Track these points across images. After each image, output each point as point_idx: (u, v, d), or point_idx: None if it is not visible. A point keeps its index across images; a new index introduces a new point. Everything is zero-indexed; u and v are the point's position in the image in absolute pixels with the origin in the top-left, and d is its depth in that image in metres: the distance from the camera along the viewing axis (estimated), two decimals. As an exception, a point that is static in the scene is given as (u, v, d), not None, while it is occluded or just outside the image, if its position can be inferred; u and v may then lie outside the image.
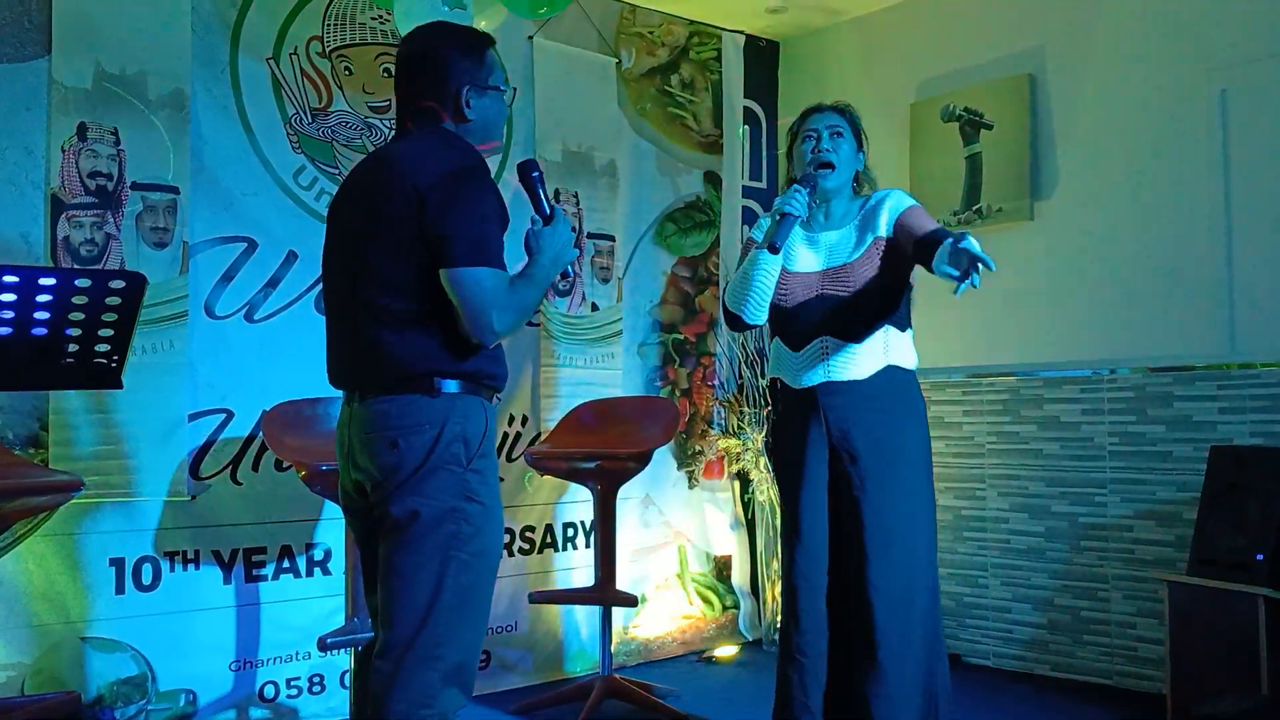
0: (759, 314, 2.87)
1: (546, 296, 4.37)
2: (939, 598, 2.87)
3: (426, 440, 2.17)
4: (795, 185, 2.80)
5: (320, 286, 3.83)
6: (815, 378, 2.85)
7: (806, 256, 2.91)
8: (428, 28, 2.44)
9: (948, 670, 2.84)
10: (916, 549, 2.78)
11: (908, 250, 2.76)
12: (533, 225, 2.32)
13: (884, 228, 2.83)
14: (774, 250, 2.72)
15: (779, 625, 3.10)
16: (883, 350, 2.83)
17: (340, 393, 2.34)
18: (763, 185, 5.22)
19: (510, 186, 4.29)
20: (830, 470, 2.85)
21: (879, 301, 2.83)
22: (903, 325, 2.89)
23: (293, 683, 3.74)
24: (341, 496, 2.38)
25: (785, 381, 2.94)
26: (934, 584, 2.85)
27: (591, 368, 4.52)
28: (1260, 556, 3.30)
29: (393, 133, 3.95)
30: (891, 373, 2.84)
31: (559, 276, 2.37)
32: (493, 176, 2.27)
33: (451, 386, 2.20)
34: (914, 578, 2.76)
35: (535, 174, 2.37)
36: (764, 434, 4.74)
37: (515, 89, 2.48)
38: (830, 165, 2.85)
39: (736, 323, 2.92)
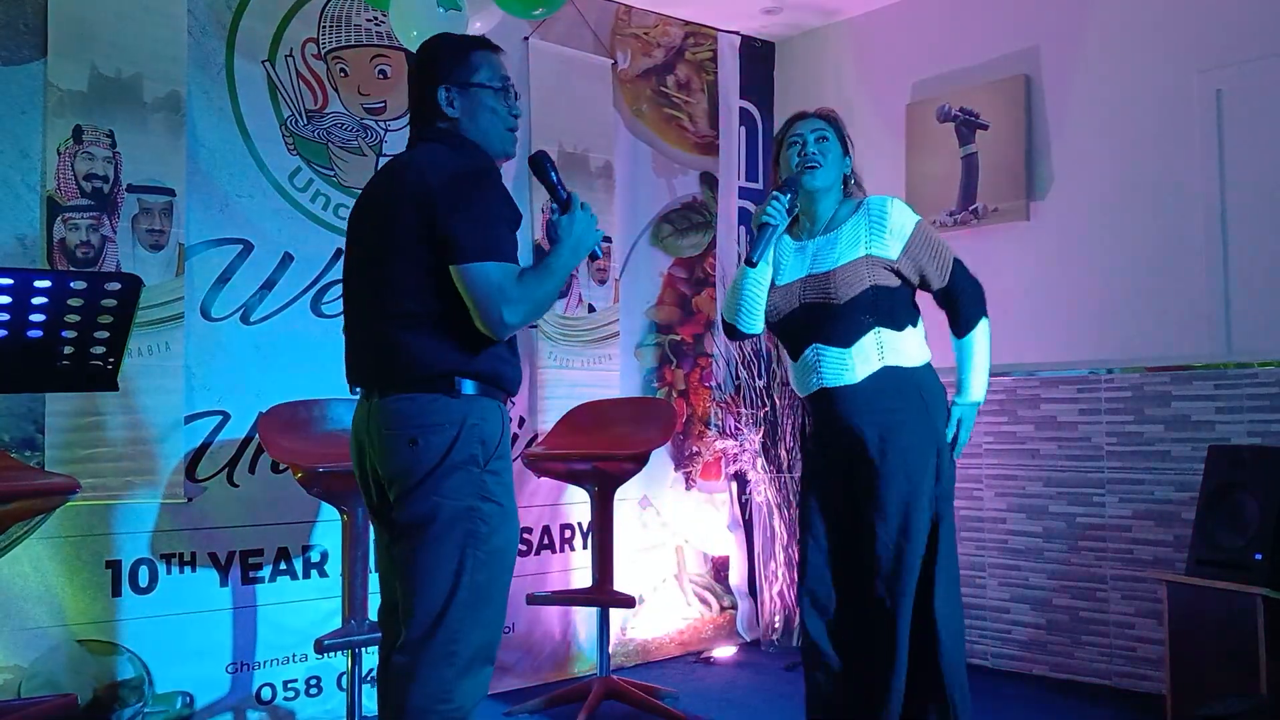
0: (752, 324, 2.90)
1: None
2: (959, 594, 2.84)
3: (445, 439, 2.21)
4: (774, 194, 2.78)
5: (315, 289, 3.88)
6: (813, 385, 2.86)
7: (794, 266, 2.90)
8: (427, 40, 2.47)
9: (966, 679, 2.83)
10: (932, 547, 2.76)
11: (928, 288, 2.88)
12: (552, 215, 2.35)
13: (893, 251, 2.80)
14: (750, 264, 2.71)
15: (798, 635, 3.10)
16: (876, 354, 2.78)
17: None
18: (759, 186, 5.22)
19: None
20: (845, 473, 2.85)
21: (859, 306, 2.78)
22: (899, 324, 2.82)
23: (290, 685, 3.73)
24: (362, 494, 2.43)
25: (796, 389, 2.97)
26: (956, 580, 2.82)
27: (588, 369, 4.51)
28: (1259, 556, 3.30)
29: (387, 134, 4.01)
30: (890, 373, 2.78)
31: (589, 260, 2.39)
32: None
33: (469, 387, 2.24)
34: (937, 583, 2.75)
35: (547, 163, 2.39)
36: (760, 435, 4.74)
37: (514, 92, 2.47)
38: (817, 165, 2.84)
39: (732, 332, 2.96)
